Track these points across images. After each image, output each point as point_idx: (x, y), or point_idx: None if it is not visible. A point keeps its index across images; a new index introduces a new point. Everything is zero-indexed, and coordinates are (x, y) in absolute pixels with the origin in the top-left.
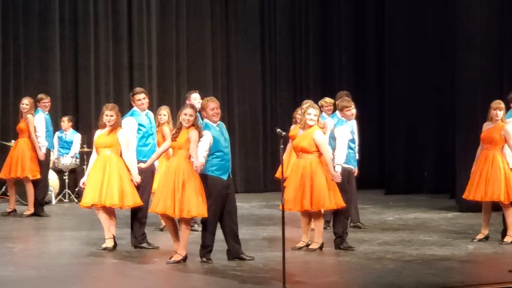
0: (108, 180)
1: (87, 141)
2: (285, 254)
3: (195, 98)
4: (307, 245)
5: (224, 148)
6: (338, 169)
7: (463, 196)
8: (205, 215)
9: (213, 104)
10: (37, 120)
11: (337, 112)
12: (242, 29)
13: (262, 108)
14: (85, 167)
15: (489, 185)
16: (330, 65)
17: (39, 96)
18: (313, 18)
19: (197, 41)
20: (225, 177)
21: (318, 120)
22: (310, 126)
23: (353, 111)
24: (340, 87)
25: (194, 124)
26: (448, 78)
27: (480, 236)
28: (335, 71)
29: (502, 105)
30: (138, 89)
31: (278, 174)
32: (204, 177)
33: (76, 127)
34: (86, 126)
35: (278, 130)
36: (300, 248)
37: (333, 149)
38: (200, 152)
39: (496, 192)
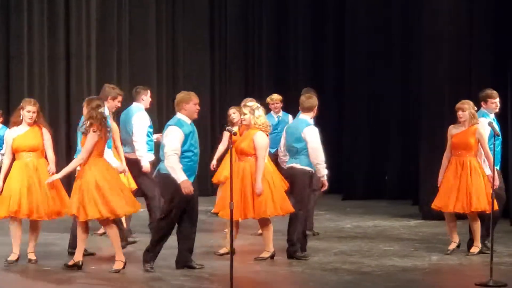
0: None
1: None
2: (234, 264)
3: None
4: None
5: (194, 149)
6: (325, 172)
7: (438, 208)
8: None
9: (196, 99)
10: None
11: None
12: (189, 17)
13: (210, 104)
14: None
15: (474, 196)
16: (285, 61)
17: None
18: (267, 7)
19: (140, 29)
20: (191, 180)
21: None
22: (248, 127)
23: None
24: (296, 84)
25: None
26: (413, 76)
27: (453, 246)
28: (290, 67)
29: (466, 105)
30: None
31: (215, 179)
32: (168, 179)
33: (6, 122)
34: None
35: (228, 128)
36: (221, 255)
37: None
38: (172, 149)
39: (482, 203)
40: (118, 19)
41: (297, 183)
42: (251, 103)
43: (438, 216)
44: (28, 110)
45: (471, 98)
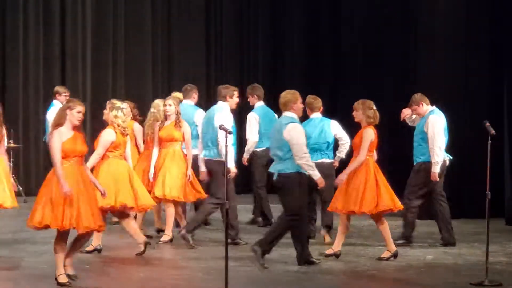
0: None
1: (14, 135)
2: (228, 263)
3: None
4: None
5: None
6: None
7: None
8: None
9: (301, 98)
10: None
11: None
12: (185, 16)
13: (206, 103)
14: (11, 164)
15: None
16: (281, 59)
17: (56, 88)
18: (263, 6)
19: (136, 29)
20: None
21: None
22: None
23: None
24: (292, 83)
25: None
26: (408, 76)
27: (329, 252)
28: (286, 65)
29: (360, 105)
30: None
31: None
32: (304, 176)
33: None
34: (13, 119)
35: (223, 126)
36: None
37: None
38: (304, 148)
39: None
40: (113, 19)
41: (331, 177)
42: (116, 101)
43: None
44: (79, 110)
45: (467, 97)
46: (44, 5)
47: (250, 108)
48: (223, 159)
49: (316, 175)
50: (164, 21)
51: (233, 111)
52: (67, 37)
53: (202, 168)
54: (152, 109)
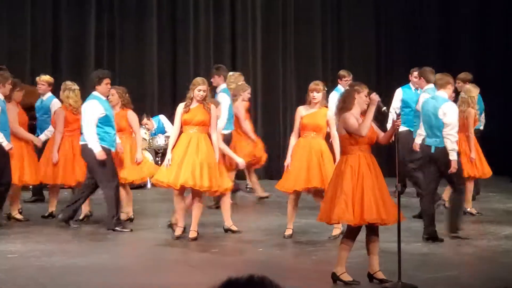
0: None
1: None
2: (401, 246)
3: None
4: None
5: None
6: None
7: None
8: None
9: None
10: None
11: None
12: None
13: (375, 85)
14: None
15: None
16: (451, 41)
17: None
18: None
19: (305, 10)
20: None
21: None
22: None
23: None
24: (462, 65)
25: None
26: None
27: (289, 232)
28: (456, 46)
29: (321, 86)
30: None
31: None
32: None
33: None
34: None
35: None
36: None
37: None
38: None
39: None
40: (283, 0)
41: None
42: (71, 83)
43: None
44: (366, 94)
45: None
46: None
47: None
48: None
49: None
50: (334, 2)
51: None
52: (237, 19)
53: None
54: (463, 94)
